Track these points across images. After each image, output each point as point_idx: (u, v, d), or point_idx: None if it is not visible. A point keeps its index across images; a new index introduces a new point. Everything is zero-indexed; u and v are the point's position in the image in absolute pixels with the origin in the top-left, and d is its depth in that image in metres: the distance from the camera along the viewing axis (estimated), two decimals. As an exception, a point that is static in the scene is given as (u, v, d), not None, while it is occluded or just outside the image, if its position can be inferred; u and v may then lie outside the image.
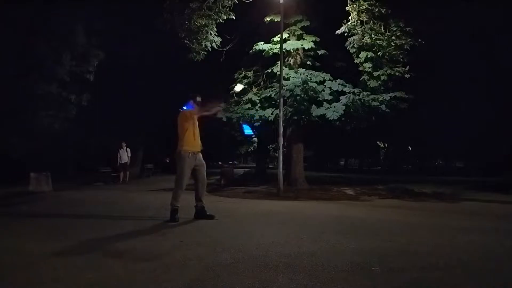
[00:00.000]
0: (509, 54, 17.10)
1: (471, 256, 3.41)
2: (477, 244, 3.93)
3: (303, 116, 11.30)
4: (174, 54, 13.67)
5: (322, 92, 11.19)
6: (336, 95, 11.24)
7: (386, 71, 10.75)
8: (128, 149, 15.24)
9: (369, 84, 10.99)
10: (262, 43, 11.86)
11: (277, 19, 11.20)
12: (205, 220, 5.17)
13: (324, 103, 11.14)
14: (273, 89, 11.82)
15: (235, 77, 13.35)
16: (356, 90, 10.91)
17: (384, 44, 10.40)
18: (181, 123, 5.25)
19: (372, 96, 10.71)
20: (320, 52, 11.92)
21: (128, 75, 15.62)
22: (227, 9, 10.83)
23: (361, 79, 11.31)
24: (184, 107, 5.45)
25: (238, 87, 4.86)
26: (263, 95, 12.09)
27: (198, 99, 5.49)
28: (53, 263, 3.07)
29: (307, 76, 11.09)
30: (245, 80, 12.99)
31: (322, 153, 39.22)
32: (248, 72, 13.08)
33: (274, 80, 12.25)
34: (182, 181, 5.19)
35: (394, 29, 10.37)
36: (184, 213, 5.19)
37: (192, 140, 5.22)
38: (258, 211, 6.36)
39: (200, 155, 5.33)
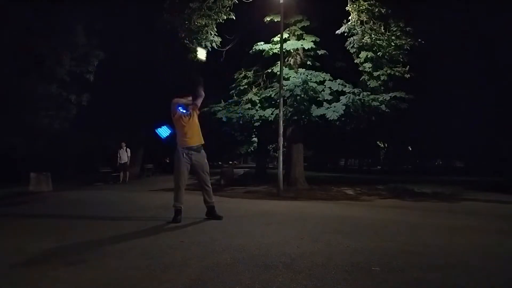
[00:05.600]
0: (509, 54, 17.12)
1: (471, 256, 3.41)
2: (477, 244, 3.93)
3: (303, 116, 11.31)
4: (174, 54, 13.68)
5: (322, 92, 11.20)
6: (336, 95, 11.25)
7: (386, 71, 10.76)
8: (128, 149, 15.25)
9: (369, 84, 11.00)
10: (262, 43, 11.87)
11: (277, 19, 11.20)
12: (205, 220, 5.17)
13: (324, 103, 11.15)
14: (273, 89, 11.83)
15: (235, 77, 13.36)
16: (356, 90, 10.92)
17: (384, 44, 10.42)
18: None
19: (372, 96, 10.72)
20: (320, 52, 11.93)
21: (128, 75, 15.62)
22: (227, 9, 10.84)
23: (361, 79, 11.32)
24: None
25: (201, 53, 4.63)
26: (263, 95, 12.10)
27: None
28: (53, 263, 3.07)
29: (307, 76, 11.10)
30: (245, 80, 13.00)
31: (322, 153, 39.19)
32: (248, 72, 13.09)
33: (274, 80, 12.26)
34: (177, 180, 5.10)
35: (394, 29, 10.38)
36: (186, 213, 5.18)
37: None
38: (258, 211, 6.35)
39: (198, 152, 5.15)
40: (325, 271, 2.86)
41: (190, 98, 5.22)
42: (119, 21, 13.48)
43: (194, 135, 5.17)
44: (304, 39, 11.90)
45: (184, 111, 5.14)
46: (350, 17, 10.63)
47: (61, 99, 12.40)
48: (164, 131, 5.51)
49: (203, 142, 5.23)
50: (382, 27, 10.45)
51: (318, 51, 11.92)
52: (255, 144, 25.55)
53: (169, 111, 5.23)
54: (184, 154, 5.09)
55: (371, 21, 10.48)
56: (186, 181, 5.20)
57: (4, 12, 11.00)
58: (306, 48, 11.77)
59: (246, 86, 12.92)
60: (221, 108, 12.35)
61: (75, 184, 13.36)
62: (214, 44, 11.36)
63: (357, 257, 3.24)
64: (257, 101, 12.14)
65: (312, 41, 11.72)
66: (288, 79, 11.28)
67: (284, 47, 10.82)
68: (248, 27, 12.43)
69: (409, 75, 10.70)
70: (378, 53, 10.65)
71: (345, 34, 10.84)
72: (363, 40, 10.50)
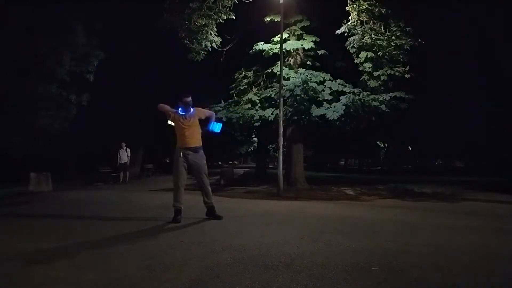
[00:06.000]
0: (509, 54, 17.12)
1: (471, 256, 3.41)
2: (477, 244, 3.93)
3: (303, 116, 11.30)
4: (174, 54, 13.68)
5: (322, 92, 11.19)
6: (336, 95, 11.25)
7: (386, 71, 10.75)
8: (128, 149, 15.24)
9: (369, 84, 11.00)
10: (262, 43, 11.86)
11: (277, 19, 11.20)
12: (205, 220, 5.17)
13: (324, 103, 11.15)
14: (273, 89, 11.82)
15: (235, 77, 13.36)
16: (356, 90, 10.91)
17: (384, 44, 10.41)
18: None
19: (372, 96, 10.71)
20: (320, 52, 11.92)
21: (128, 75, 15.62)
22: (227, 9, 10.84)
23: (361, 79, 11.31)
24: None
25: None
26: (263, 95, 12.09)
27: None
28: (53, 263, 3.08)
29: (307, 76, 11.10)
30: (245, 80, 13.00)
31: (322, 153, 39.20)
32: (248, 72, 13.09)
33: (274, 80, 12.25)
34: (176, 180, 5.15)
35: (394, 29, 10.38)
36: (186, 213, 5.19)
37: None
38: (258, 211, 6.35)
39: (195, 153, 5.18)
40: (325, 271, 2.86)
41: (189, 99, 5.24)
42: (119, 21, 13.48)
43: (193, 137, 5.19)
44: (304, 39, 11.89)
45: (184, 113, 5.20)
46: (350, 17, 10.62)
47: (61, 99, 12.41)
48: (218, 127, 5.51)
49: (201, 145, 5.27)
50: (382, 27, 10.44)
51: (318, 51, 11.91)
52: (255, 144, 25.54)
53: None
54: (181, 154, 5.14)
55: (371, 21, 10.47)
56: (185, 181, 5.20)
57: (4, 12, 11.00)
58: (306, 48, 11.76)
59: (246, 86, 12.91)
60: (221, 108, 12.34)
61: (75, 184, 13.36)
62: (214, 44, 11.35)
63: (357, 257, 3.24)
64: (257, 101, 12.13)
65: (312, 41, 11.71)
66: (288, 79, 11.27)
67: (284, 47, 10.81)
68: (248, 27, 12.43)
69: (409, 75, 10.69)
70: (378, 53, 10.64)
71: (345, 34, 10.83)
72: (363, 40, 10.50)
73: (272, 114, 11.63)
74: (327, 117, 10.83)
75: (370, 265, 3.02)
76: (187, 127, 5.18)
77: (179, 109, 5.22)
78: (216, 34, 11.32)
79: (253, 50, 11.93)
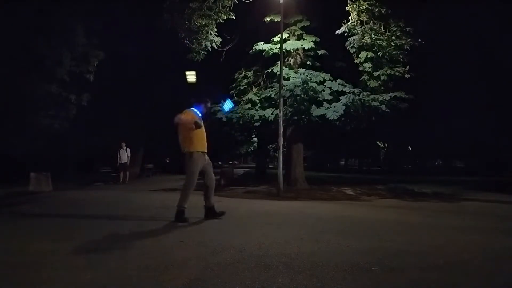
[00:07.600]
0: (509, 54, 17.12)
1: (471, 256, 3.41)
2: (477, 244, 3.93)
3: (303, 116, 11.30)
4: (174, 54, 13.68)
5: (322, 92, 11.19)
6: (336, 95, 11.24)
7: (386, 71, 10.74)
8: (128, 149, 15.24)
9: (369, 84, 10.99)
10: (262, 43, 11.86)
11: (277, 19, 11.20)
12: (205, 220, 5.17)
13: (324, 103, 11.14)
14: (273, 89, 11.82)
15: (235, 77, 13.36)
16: (356, 90, 10.90)
17: (384, 44, 10.41)
18: (188, 123, 5.14)
19: (372, 96, 10.71)
20: (320, 52, 11.92)
21: (128, 75, 15.61)
22: (227, 9, 10.84)
23: (361, 79, 11.31)
24: (194, 108, 5.37)
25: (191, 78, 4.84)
26: (263, 95, 12.09)
27: (208, 104, 5.67)
28: (53, 263, 3.07)
29: (307, 76, 11.09)
30: (245, 80, 12.99)
31: (322, 153, 39.19)
32: (248, 72, 13.08)
33: (274, 80, 12.25)
34: (192, 182, 5.20)
35: (394, 29, 10.37)
36: (186, 213, 5.18)
37: (201, 140, 5.25)
38: (258, 211, 6.35)
39: (206, 155, 5.37)
40: (325, 271, 2.86)
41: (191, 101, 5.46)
42: (119, 21, 13.48)
43: (184, 141, 5.22)
44: (304, 39, 11.89)
45: (201, 115, 5.39)
46: (350, 17, 10.62)
47: (61, 99, 12.40)
48: (228, 105, 5.62)
49: (190, 150, 5.18)
50: (382, 27, 10.44)
51: (318, 51, 11.91)
52: (255, 144, 25.53)
53: (169, 112, 5.42)
54: (202, 156, 5.30)
55: (371, 21, 10.47)
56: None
57: (4, 12, 11.00)
58: (306, 48, 11.75)
59: (246, 86, 12.91)
60: (221, 108, 12.33)
61: (75, 184, 13.36)
62: (214, 44, 11.35)
63: (357, 257, 3.24)
64: (257, 101, 12.13)
65: (312, 41, 11.71)
66: (288, 79, 11.27)
67: (284, 47, 10.81)
68: (248, 27, 12.42)
69: (409, 75, 10.69)
70: (378, 53, 10.63)
71: (345, 34, 10.83)
72: (363, 40, 10.49)
73: (272, 114, 11.63)
74: (327, 117, 10.82)
75: (370, 265, 3.01)
76: (204, 130, 5.33)
77: (196, 110, 5.34)
78: (216, 34, 11.31)
79: (253, 50, 11.93)
